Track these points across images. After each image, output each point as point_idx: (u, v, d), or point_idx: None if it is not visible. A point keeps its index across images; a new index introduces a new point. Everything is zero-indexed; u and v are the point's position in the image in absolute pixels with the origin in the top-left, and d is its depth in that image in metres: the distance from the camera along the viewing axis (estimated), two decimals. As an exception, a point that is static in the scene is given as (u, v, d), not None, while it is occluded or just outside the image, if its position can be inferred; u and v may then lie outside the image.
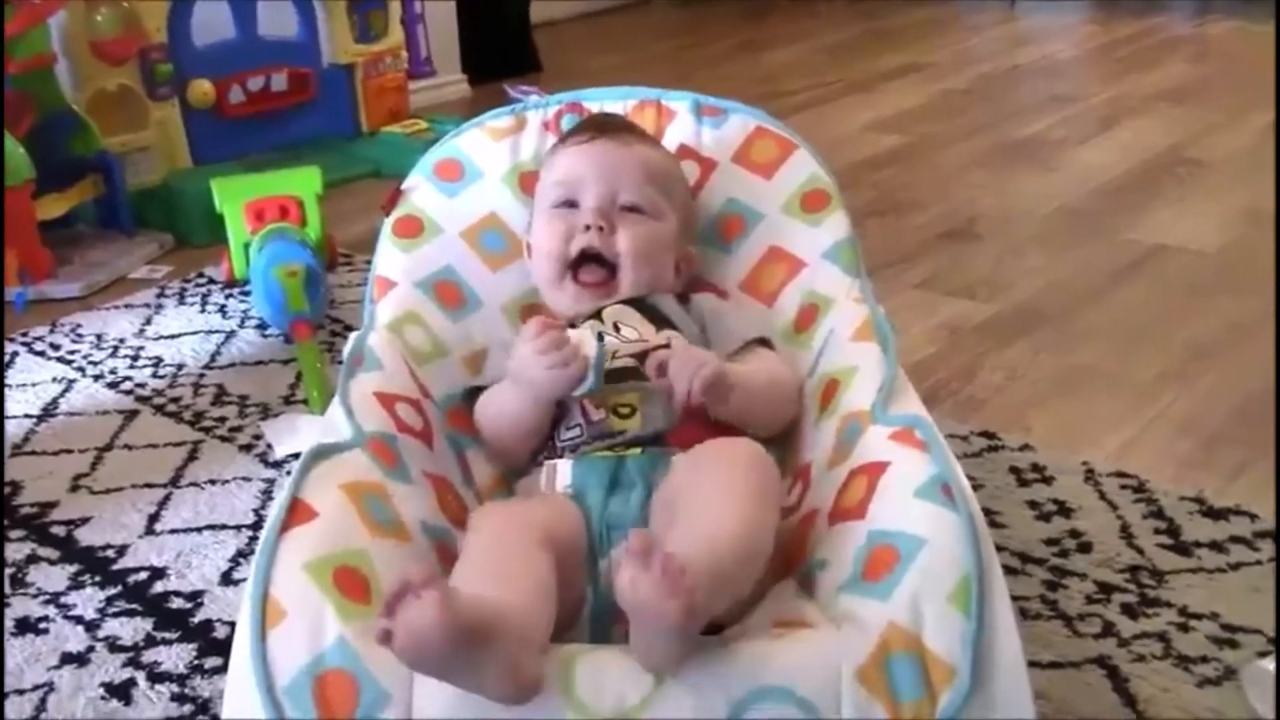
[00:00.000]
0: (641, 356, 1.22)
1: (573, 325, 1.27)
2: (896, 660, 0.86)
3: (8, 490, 1.64)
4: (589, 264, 1.32)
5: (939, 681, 0.85)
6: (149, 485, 1.63)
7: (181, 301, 2.28)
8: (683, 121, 1.48)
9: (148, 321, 2.20)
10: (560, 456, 1.16)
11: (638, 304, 1.30)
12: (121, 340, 2.12)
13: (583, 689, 0.85)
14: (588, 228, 1.31)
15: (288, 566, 0.92)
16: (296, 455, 1.65)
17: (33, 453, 1.75)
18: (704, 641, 0.91)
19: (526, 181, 1.46)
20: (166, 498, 1.60)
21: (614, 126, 1.41)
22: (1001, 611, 0.88)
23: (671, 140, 1.48)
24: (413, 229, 1.44)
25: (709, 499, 0.97)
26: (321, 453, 1.05)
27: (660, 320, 1.28)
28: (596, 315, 1.28)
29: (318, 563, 0.92)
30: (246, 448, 1.73)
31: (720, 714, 0.84)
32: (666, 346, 1.23)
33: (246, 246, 2.22)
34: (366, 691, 0.86)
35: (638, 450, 1.13)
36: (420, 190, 1.48)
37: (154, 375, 1.98)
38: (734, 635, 0.95)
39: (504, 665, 0.82)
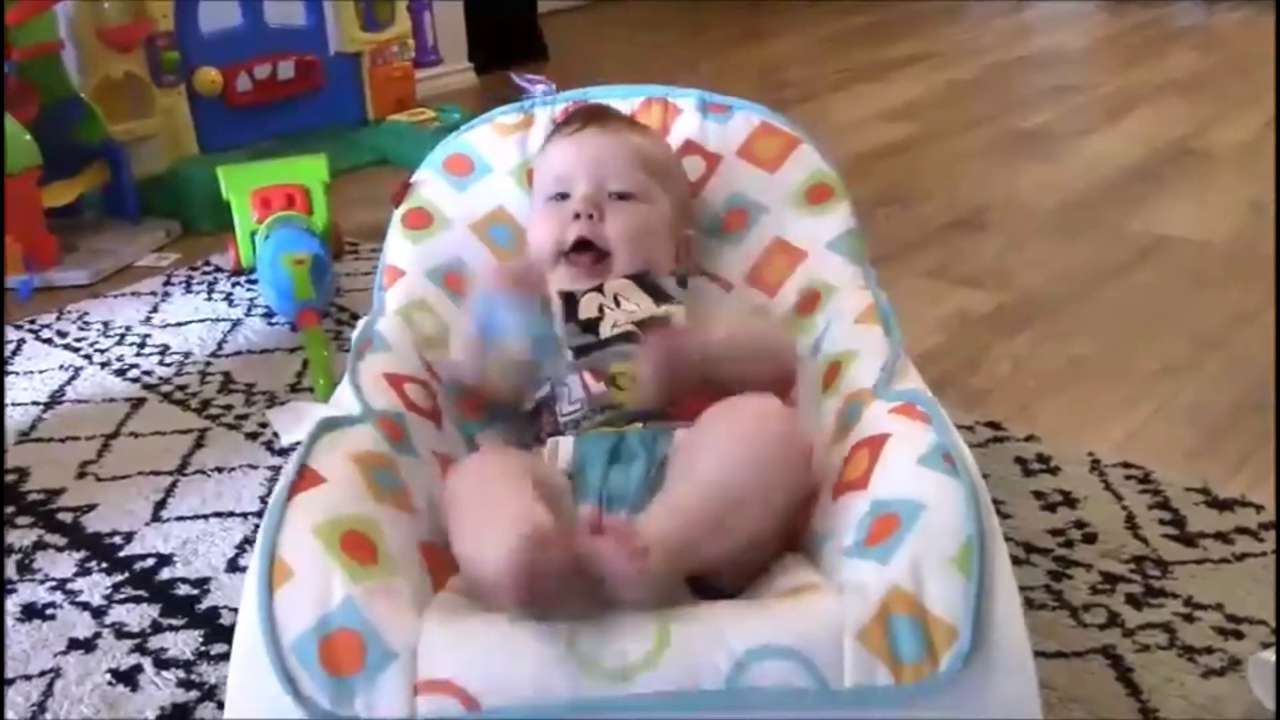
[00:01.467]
0: (641, 324, 1.24)
1: (573, 296, 1.28)
2: (898, 621, 0.86)
3: (15, 477, 1.65)
4: (580, 249, 1.32)
5: (940, 642, 0.86)
6: (156, 472, 1.64)
7: (188, 289, 2.29)
8: (689, 118, 1.50)
9: (154, 309, 2.21)
10: (562, 433, 1.17)
11: (639, 279, 1.30)
12: (128, 328, 2.13)
13: (586, 647, 0.86)
14: (578, 216, 1.32)
15: (296, 528, 0.93)
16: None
17: (40, 440, 1.75)
18: (708, 604, 0.92)
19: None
20: (173, 485, 1.61)
21: (602, 115, 1.42)
22: (1001, 573, 0.88)
23: (677, 136, 1.49)
24: (422, 221, 1.45)
25: (697, 456, 1.00)
26: (331, 424, 1.06)
27: (661, 295, 1.29)
28: (598, 289, 1.29)
29: (325, 525, 0.93)
30: (253, 435, 1.73)
31: (722, 671, 0.85)
32: (665, 319, 1.24)
33: (253, 234, 2.22)
34: (372, 650, 0.86)
35: (639, 425, 1.14)
36: (430, 184, 1.49)
37: (161, 363, 1.98)
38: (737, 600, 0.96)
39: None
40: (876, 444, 1.02)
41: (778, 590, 0.97)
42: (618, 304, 1.27)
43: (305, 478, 0.98)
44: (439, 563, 1.01)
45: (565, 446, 1.14)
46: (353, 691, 0.85)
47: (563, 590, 0.87)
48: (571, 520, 1.05)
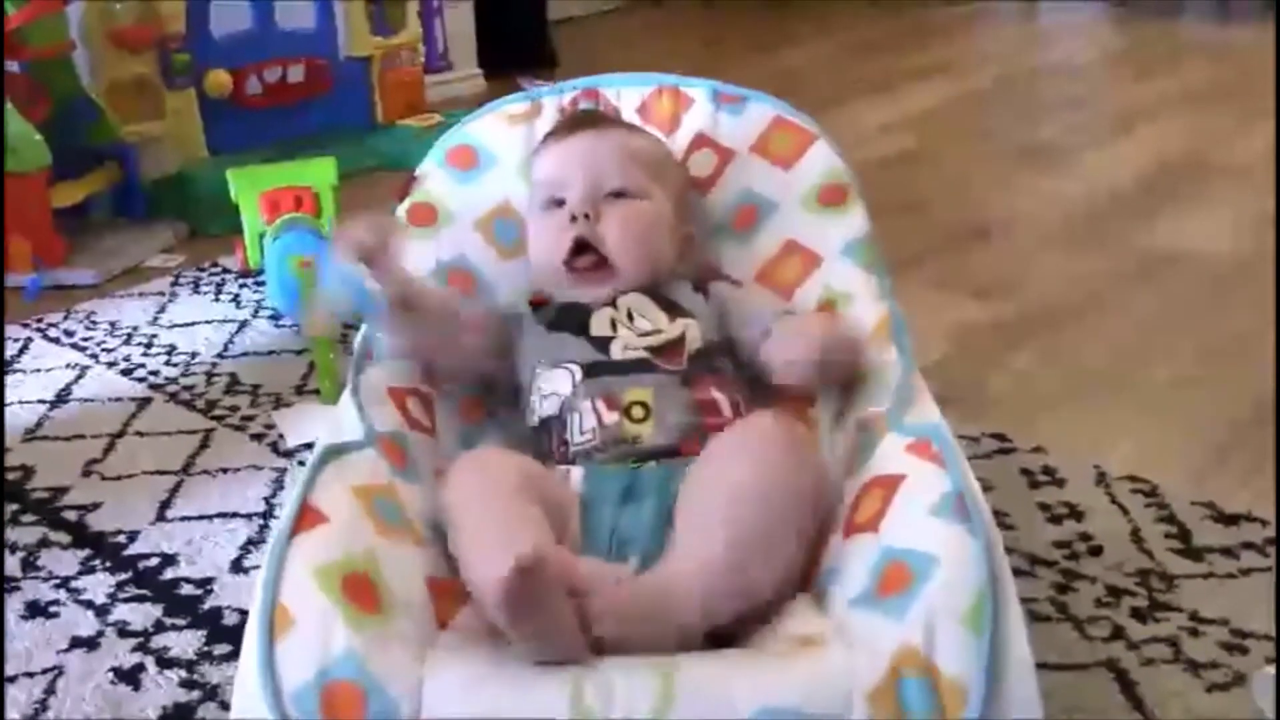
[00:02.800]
0: (656, 350, 1.22)
1: (588, 312, 1.27)
2: (908, 682, 0.85)
3: (20, 475, 1.65)
4: (581, 253, 1.31)
5: (951, 704, 0.84)
6: (161, 472, 1.64)
7: (195, 290, 2.29)
8: (700, 109, 1.47)
9: (162, 310, 2.21)
10: (573, 462, 1.15)
11: (652, 293, 1.29)
12: (135, 328, 2.13)
13: (591, 699, 0.85)
14: (574, 219, 1.30)
15: (297, 572, 0.92)
16: (308, 445, 1.65)
17: (45, 438, 1.75)
18: (714, 654, 0.92)
19: (541, 169, 1.45)
20: (178, 485, 1.61)
21: (592, 119, 1.41)
22: (1015, 634, 0.87)
23: (689, 128, 1.47)
24: (426, 217, 1.44)
25: (710, 497, 1.00)
26: (332, 453, 1.04)
27: (675, 310, 1.27)
28: (612, 304, 1.27)
29: (327, 569, 0.92)
30: (258, 437, 1.73)
31: None
32: (681, 338, 1.23)
33: (261, 236, 2.22)
34: (374, 702, 0.85)
35: (653, 463, 1.12)
36: (434, 177, 1.47)
37: (167, 363, 1.98)
38: (745, 648, 0.96)
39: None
40: (890, 485, 1.01)
41: (784, 635, 0.96)
42: (631, 320, 1.25)
43: (306, 516, 0.97)
44: (445, 596, 1.00)
45: (575, 478, 1.11)
46: None
47: (551, 616, 0.89)
48: (575, 539, 1.05)
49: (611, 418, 1.16)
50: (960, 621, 0.86)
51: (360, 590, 0.92)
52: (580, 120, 1.41)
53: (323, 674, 0.86)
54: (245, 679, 0.88)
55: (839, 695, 0.85)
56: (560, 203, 1.33)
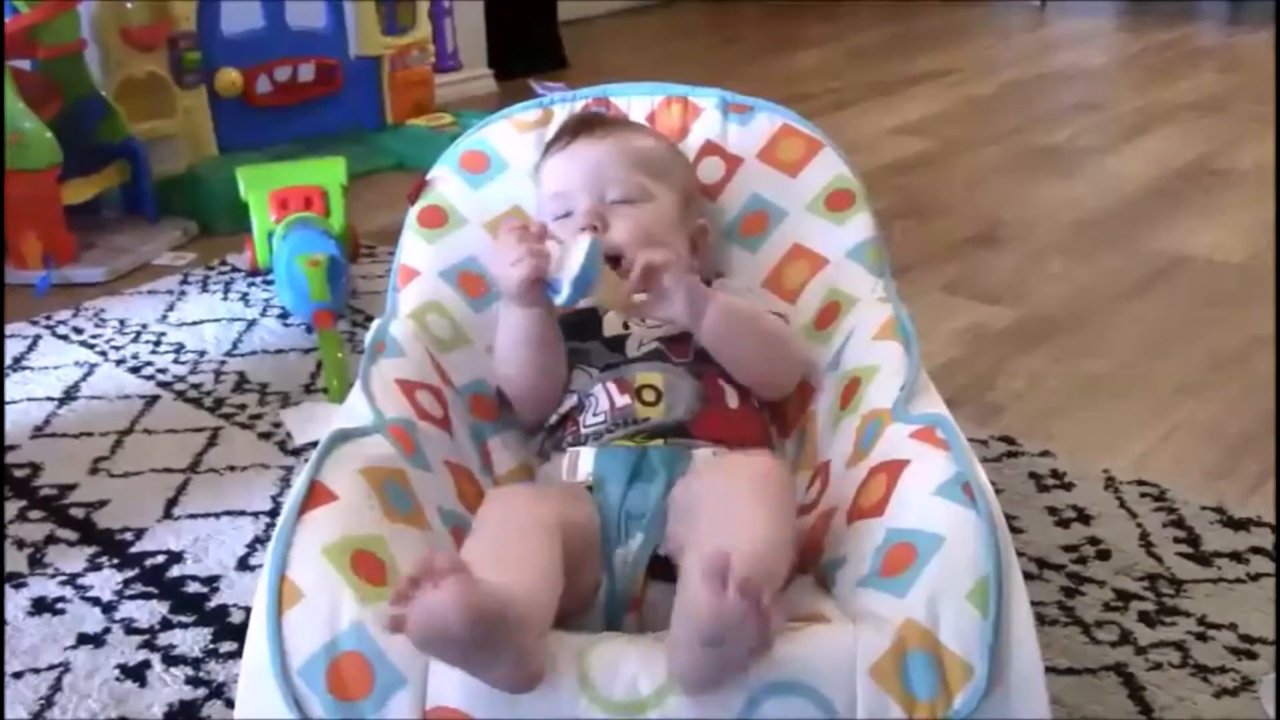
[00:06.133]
0: (667, 341, 1.23)
1: (598, 318, 1.27)
2: (913, 658, 0.86)
3: (28, 472, 1.65)
4: None
5: (955, 680, 0.85)
6: (168, 470, 1.64)
7: (204, 289, 2.29)
8: (709, 118, 1.48)
9: (170, 308, 2.21)
10: (584, 444, 1.16)
11: None
12: (144, 326, 2.13)
13: (596, 676, 0.86)
14: (583, 230, 1.31)
15: (306, 548, 0.92)
16: (315, 444, 1.65)
17: (54, 435, 1.76)
18: None
19: (551, 175, 1.46)
20: (185, 483, 1.61)
21: (590, 124, 1.41)
22: (1019, 612, 0.88)
23: (698, 137, 1.47)
24: (437, 219, 1.44)
25: (733, 515, 0.97)
26: (342, 436, 1.05)
27: None
28: None
29: (336, 545, 0.93)
30: (266, 435, 1.73)
31: (735, 706, 0.84)
32: (688, 332, 1.23)
33: (270, 235, 2.23)
34: (381, 675, 0.86)
35: (660, 441, 1.13)
36: (445, 181, 1.48)
37: (175, 361, 1.99)
38: None
39: (515, 655, 0.83)
40: (894, 470, 1.01)
41: (790, 616, 0.95)
42: (642, 321, 1.27)
43: (316, 494, 0.97)
44: None
45: (586, 458, 1.13)
46: (361, 717, 0.85)
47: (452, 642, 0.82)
48: (594, 558, 1.04)
49: (623, 400, 1.18)
50: (965, 599, 0.87)
51: (369, 566, 0.92)
52: (579, 126, 1.41)
53: (330, 646, 0.87)
54: (252, 653, 0.89)
55: (844, 670, 0.85)
56: (569, 214, 1.34)
